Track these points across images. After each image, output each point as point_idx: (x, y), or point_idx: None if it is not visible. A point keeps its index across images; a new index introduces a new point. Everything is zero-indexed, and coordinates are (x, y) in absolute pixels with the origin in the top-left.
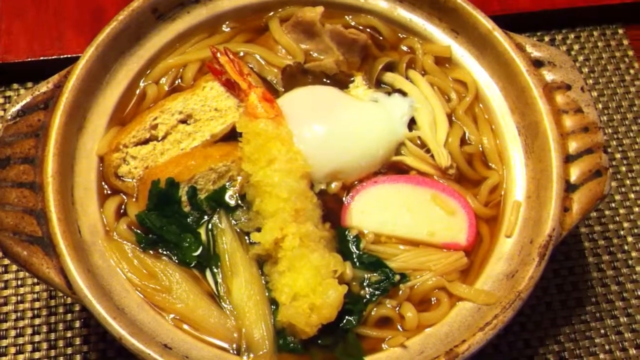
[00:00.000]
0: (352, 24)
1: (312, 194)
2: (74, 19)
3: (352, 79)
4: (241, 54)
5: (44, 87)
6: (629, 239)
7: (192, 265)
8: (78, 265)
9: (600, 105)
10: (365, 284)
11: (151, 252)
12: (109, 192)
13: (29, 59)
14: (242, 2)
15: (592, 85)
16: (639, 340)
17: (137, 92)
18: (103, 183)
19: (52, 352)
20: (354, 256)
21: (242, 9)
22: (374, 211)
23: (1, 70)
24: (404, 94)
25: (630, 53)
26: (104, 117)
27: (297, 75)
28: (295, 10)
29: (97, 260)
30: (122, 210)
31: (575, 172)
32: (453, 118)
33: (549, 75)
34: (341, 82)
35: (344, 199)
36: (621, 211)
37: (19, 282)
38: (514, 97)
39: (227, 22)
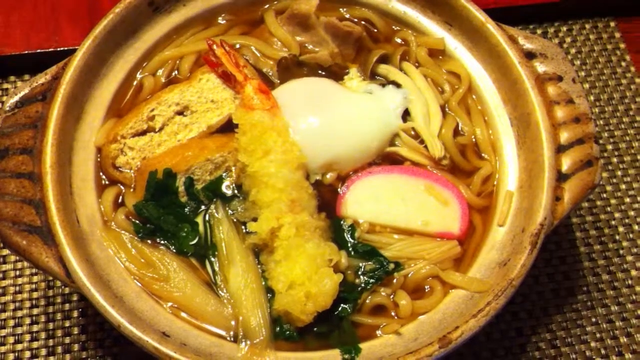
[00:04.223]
0: (347, 16)
1: (308, 184)
2: (70, 11)
3: (346, 70)
4: (237, 46)
5: (42, 78)
6: (620, 229)
7: (189, 254)
8: (77, 255)
9: (592, 98)
10: (360, 272)
11: (149, 241)
12: (106, 182)
13: (26, 52)
14: None
15: (584, 77)
16: (629, 329)
17: (134, 84)
18: (101, 173)
19: (51, 342)
20: (349, 245)
21: (237, 2)
22: (368, 201)
23: None
24: (398, 85)
25: (622, 46)
26: (101, 108)
27: (292, 67)
28: (290, 2)
29: (95, 249)
30: (119, 201)
31: (566, 162)
32: (446, 109)
33: (540, 67)
34: (336, 74)
35: (339, 189)
36: (612, 202)
37: (17, 273)
38: (506, 89)
39: (222, 15)
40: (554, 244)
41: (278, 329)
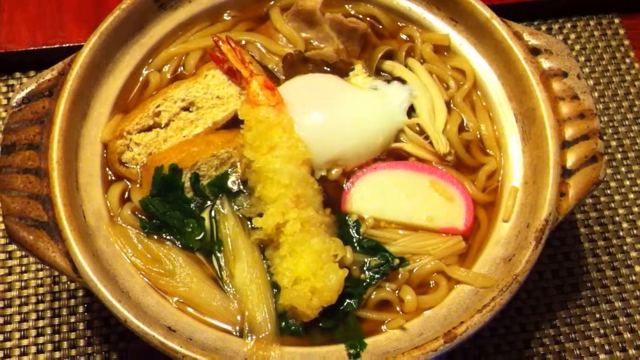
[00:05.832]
0: (352, 12)
1: (313, 180)
2: (75, 8)
3: (352, 67)
4: (243, 42)
5: (49, 74)
6: (624, 225)
7: (195, 249)
8: (83, 250)
9: (596, 94)
10: (365, 267)
11: (155, 237)
12: (113, 178)
13: (31, 48)
14: None
15: (589, 74)
16: (633, 325)
17: (140, 80)
18: (107, 169)
19: (56, 337)
20: (354, 241)
21: None
22: (373, 197)
23: (4, 59)
24: (403, 81)
25: (626, 42)
26: (107, 104)
27: (297, 64)
28: None
29: (101, 244)
30: (126, 196)
31: (571, 158)
32: (451, 105)
33: (545, 63)
34: (341, 70)
35: (344, 185)
36: (616, 198)
37: (23, 268)
38: (511, 85)
39: (228, 11)
40: (558, 239)
41: (283, 324)
